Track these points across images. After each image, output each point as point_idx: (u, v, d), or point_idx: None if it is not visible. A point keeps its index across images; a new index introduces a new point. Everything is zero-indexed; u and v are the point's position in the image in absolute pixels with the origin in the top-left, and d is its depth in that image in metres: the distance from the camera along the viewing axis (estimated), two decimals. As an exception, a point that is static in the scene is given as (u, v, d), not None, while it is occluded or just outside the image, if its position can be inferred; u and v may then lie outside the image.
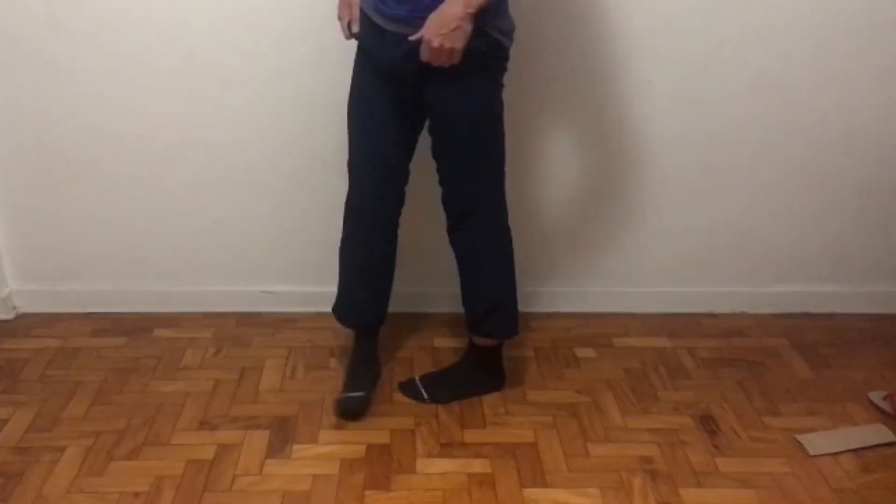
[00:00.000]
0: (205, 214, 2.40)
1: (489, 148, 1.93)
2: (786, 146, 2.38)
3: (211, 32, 2.17)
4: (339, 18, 1.90)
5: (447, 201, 1.98)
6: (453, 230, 2.02)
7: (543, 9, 2.18)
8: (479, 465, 1.89)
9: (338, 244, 2.08)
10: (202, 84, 2.23)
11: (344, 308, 2.14)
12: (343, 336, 2.31)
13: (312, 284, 2.47)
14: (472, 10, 1.64)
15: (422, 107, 1.88)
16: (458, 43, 1.66)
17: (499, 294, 2.06)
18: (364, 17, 1.83)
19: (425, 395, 2.12)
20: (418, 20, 1.68)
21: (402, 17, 1.72)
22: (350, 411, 2.04)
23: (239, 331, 2.43)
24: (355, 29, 1.86)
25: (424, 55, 1.69)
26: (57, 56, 2.19)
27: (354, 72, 1.95)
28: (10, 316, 2.48)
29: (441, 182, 1.96)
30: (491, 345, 2.13)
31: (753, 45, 2.24)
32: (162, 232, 2.42)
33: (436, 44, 1.65)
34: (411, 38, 1.69)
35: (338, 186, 2.04)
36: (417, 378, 2.18)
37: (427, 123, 1.93)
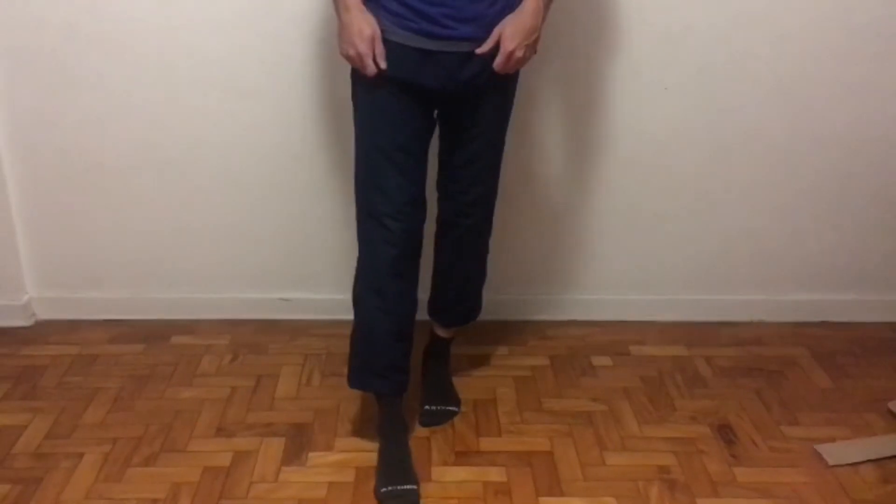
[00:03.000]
0: (222, 222, 2.42)
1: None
2: (804, 153, 2.36)
3: (229, 42, 2.19)
4: (357, 56, 1.68)
5: (473, 206, 1.91)
6: (468, 233, 1.96)
7: (559, 14, 2.17)
8: (494, 474, 1.89)
9: (354, 253, 1.89)
10: (219, 93, 2.25)
11: (374, 373, 1.90)
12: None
13: (329, 292, 2.47)
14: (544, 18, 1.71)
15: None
16: (535, 50, 1.72)
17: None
18: (391, 46, 1.68)
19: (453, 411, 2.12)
20: (484, 37, 1.68)
21: (469, 35, 1.66)
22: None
23: (255, 338, 2.44)
24: (384, 64, 1.68)
25: (501, 65, 1.69)
26: (77, 66, 2.21)
27: (373, 111, 1.77)
28: (29, 323, 2.50)
29: (460, 191, 1.89)
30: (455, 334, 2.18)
31: (771, 52, 2.23)
32: (179, 239, 2.44)
33: (520, 54, 1.68)
34: (480, 51, 1.67)
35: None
36: (427, 407, 2.10)
37: (449, 136, 1.87)
